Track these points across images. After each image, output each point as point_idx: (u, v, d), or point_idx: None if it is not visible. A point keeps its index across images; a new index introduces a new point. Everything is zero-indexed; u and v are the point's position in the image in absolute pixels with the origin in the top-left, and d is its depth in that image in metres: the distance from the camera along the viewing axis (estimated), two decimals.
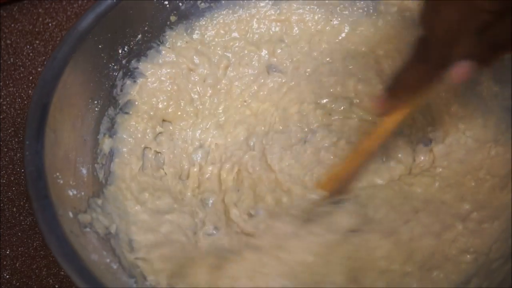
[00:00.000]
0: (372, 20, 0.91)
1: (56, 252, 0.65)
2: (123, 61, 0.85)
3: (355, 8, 0.91)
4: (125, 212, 0.79)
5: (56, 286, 0.87)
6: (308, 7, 0.92)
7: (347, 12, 0.92)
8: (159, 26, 0.87)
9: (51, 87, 0.74)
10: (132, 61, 0.86)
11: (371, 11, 0.91)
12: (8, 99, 1.01)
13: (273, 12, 0.92)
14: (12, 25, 1.08)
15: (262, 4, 0.92)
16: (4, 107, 1.01)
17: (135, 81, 0.87)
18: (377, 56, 0.90)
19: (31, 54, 1.06)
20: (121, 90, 0.85)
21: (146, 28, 0.86)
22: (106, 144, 0.82)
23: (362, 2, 0.91)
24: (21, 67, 1.04)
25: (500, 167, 0.80)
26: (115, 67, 0.84)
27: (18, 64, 1.05)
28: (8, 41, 1.06)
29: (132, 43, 0.85)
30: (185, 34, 0.89)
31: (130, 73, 0.86)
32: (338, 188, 0.81)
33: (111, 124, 0.84)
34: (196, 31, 0.90)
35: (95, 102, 0.82)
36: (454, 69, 0.67)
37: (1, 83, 1.02)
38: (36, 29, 1.08)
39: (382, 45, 0.90)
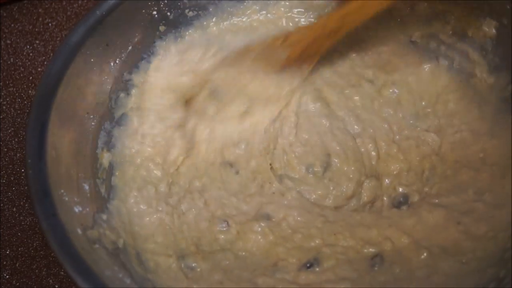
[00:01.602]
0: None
1: (71, 270, 0.64)
2: (115, 74, 0.84)
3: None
4: (130, 225, 0.78)
5: (56, 286, 0.87)
6: (296, 10, 0.92)
7: None
8: (149, 36, 0.86)
9: (48, 104, 0.74)
10: (124, 73, 0.85)
11: None
12: (8, 99, 1.00)
13: (262, 18, 0.92)
14: (12, 25, 1.07)
15: (249, 11, 0.92)
16: (4, 107, 1.00)
17: (128, 94, 0.86)
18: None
19: (31, 54, 1.05)
20: (116, 103, 0.84)
21: (136, 40, 0.85)
22: (105, 158, 0.82)
23: None
24: (21, 67, 1.03)
25: (497, 157, 0.82)
26: (108, 80, 0.83)
27: (18, 64, 1.03)
28: (8, 41, 1.05)
29: (123, 55, 0.84)
30: (174, 44, 0.88)
31: (123, 85, 0.85)
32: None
33: (108, 138, 0.83)
34: (187, 39, 0.89)
35: (91, 116, 0.81)
36: None
37: (1, 83, 1.01)
38: (36, 29, 1.07)
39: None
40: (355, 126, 0.88)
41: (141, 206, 0.81)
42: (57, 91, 0.75)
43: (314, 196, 0.84)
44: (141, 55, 0.86)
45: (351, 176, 0.85)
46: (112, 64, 0.83)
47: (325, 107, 0.89)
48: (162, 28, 0.87)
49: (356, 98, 0.89)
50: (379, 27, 0.91)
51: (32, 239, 0.90)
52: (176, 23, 0.88)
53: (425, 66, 0.89)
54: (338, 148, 0.86)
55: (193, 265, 0.78)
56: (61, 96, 0.75)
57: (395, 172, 0.85)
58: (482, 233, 0.76)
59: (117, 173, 0.82)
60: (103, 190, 0.79)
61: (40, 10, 1.08)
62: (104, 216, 0.76)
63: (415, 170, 0.85)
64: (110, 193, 0.81)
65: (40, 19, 1.07)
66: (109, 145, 0.83)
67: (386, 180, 0.85)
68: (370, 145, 0.86)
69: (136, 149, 0.84)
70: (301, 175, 0.86)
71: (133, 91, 0.86)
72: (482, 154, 0.82)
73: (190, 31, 0.89)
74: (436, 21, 0.87)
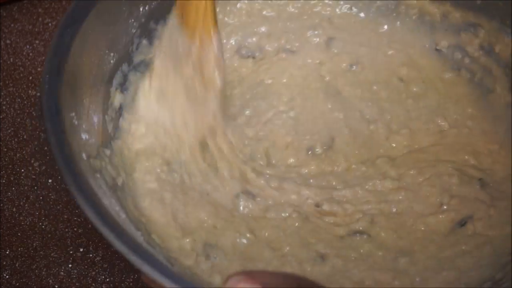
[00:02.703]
0: (391, 20, 0.92)
1: (72, 186, 0.61)
2: (142, 20, 0.83)
3: (375, 6, 0.92)
4: (130, 169, 0.77)
5: (56, 286, 0.85)
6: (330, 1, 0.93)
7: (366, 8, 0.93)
8: None
9: (74, 30, 0.72)
10: (151, 22, 0.85)
11: (391, 11, 0.92)
12: (8, 99, 1.00)
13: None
14: (12, 25, 1.07)
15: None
16: (4, 107, 0.99)
17: (151, 43, 0.85)
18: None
19: (31, 54, 1.04)
20: (137, 49, 0.84)
21: None
22: (117, 98, 0.81)
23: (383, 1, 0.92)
24: (21, 67, 1.03)
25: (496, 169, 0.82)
26: (134, 23, 0.82)
27: (18, 64, 1.03)
28: (8, 41, 1.05)
29: (153, 3, 0.84)
30: None
31: (148, 33, 0.85)
32: None
33: (124, 80, 0.82)
34: None
35: (111, 54, 0.79)
36: None
37: (1, 83, 1.01)
38: (36, 29, 1.07)
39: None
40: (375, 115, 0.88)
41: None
42: (84, 21, 0.73)
43: None
44: (171, 7, 0.86)
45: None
46: (141, 9, 0.83)
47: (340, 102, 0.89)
48: None
49: (383, 92, 0.89)
50: (408, 31, 0.92)
51: (32, 239, 0.88)
52: None
53: (446, 76, 0.89)
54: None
55: None
56: (86, 26, 0.73)
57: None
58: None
59: (125, 115, 0.81)
60: (110, 128, 0.78)
61: (40, 10, 1.08)
62: (108, 152, 0.75)
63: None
64: (116, 133, 0.79)
65: (40, 19, 1.07)
66: (123, 87, 0.82)
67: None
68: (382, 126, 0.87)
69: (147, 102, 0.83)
70: None
71: (157, 42, 0.85)
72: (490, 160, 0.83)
73: None
74: (465, 33, 0.88)
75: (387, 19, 0.93)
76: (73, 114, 0.69)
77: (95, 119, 0.75)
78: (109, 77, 0.80)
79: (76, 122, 0.69)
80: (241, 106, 0.88)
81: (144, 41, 0.84)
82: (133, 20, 0.82)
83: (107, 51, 0.79)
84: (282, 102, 0.88)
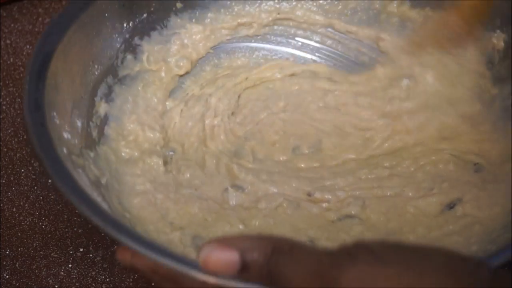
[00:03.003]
0: (373, 30, 0.93)
1: (53, 174, 0.62)
2: (126, 35, 0.85)
3: (357, 17, 0.94)
4: (116, 172, 0.77)
5: (56, 286, 0.84)
6: (309, 13, 0.95)
7: (347, 19, 0.94)
8: (164, 9, 0.88)
9: (56, 39, 0.74)
10: (135, 38, 0.86)
11: (373, 20, 0.93)
12: (8, 99, 1.00)
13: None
14: (12, 25, 1.08)
15: (266, 7, 0.94)
16: (4, 107, 0.99)
17: (136, 58, 0.86)
18: None
19: (31, 54, 1.05)
20: (122, 63, 0.85)
21: (152, 9, 0.87)
22: (102, 108, 0.81)
23: (363, 11, 0.93)
24: (21, 67, 1.03)
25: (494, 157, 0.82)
26: (118, 39, 0.84)
27: (18, 64, 1.04)
28: (8, 41, 1.06)
29: (137, 20, 0.86)
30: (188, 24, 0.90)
31: (132, 49, 0.86)
32: None
33: (109, 91, 0.83)
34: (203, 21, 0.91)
35: (96, 66, 0.81)
36: None
37: (1, 83, 1.01)
38: (36, 29, 1.08)
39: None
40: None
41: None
42: (68, 31, 0.75)
43: None
44: (154, 25, 0.88)
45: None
46: (125, 25, 0.84)
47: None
48: (179, 5, 0.89)
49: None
50: (392, 35, 0.93)
51: (32, 239, 0.88)
52: (193, 4, 0.90)
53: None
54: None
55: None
56: (69, 38, 0.75)
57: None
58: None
59: (111, 124, 0.82)
60: (94, 133, 0.79)
61: (40, 10, 1.09)
62: (92, 154, 0.75)
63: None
64: (101, 139, 0.80)
65: (40, 19, 1.09)
66: (108, 98, 0.83)
67: None
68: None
69: (135, 111, 0.84)
70: None
71: (144, 57, 0.87)
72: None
73: (208, 14, 0.91)
74: None
75: (370, 28, 0.93)
76: (55, 113, 0.70)
77: (79, 123, 0.76)
78: (94, 87, 0.81)
79: (57, 122, 0.70)
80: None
81: (129, 56, 0.86)
82: (116, 35, 0.84)
83: (91, 63, 0.80)
84: (277, 106, 0.89)
